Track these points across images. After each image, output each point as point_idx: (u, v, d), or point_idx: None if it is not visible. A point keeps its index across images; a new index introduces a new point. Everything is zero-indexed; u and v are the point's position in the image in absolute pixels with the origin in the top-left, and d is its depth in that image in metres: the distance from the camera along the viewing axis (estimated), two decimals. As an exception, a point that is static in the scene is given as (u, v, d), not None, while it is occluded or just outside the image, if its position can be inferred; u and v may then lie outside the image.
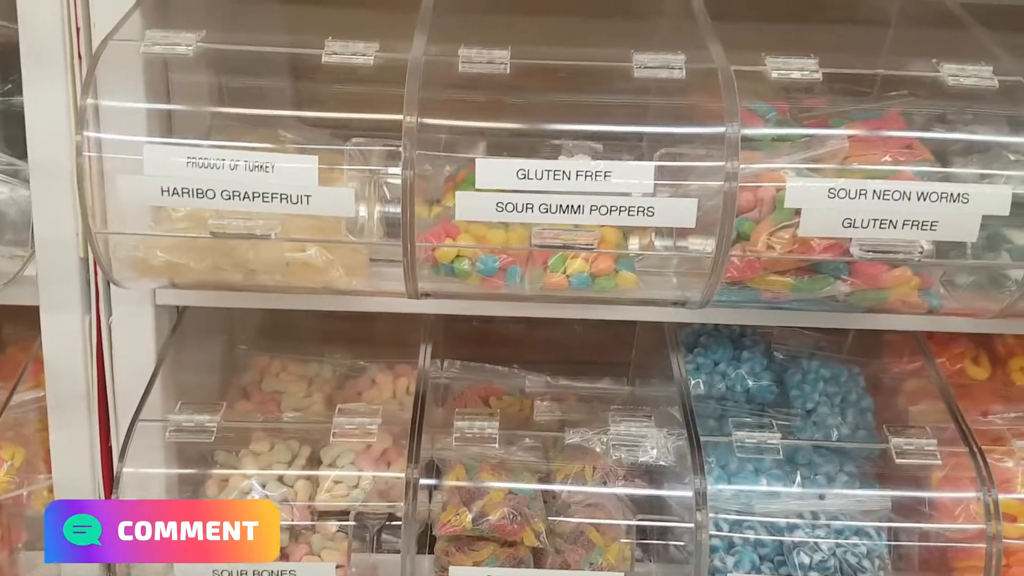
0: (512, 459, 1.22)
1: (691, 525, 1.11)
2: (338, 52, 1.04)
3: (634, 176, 0.97)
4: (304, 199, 0.96)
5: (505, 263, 1.03)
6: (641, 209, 0.96)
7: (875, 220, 0.95)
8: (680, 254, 1.07)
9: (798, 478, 1.23)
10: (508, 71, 1.03)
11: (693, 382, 1.34)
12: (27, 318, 1.20)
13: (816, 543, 1.16)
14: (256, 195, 0.95)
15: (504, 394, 1.42)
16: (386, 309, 1.18)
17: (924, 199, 0.95)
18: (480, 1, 1.24)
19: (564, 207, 0.96)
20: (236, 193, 0.95)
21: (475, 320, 1.41)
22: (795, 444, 1.26)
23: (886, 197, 0.95)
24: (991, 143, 1.08)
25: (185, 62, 1.05)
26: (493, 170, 0.96)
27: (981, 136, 1.09)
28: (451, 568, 1.12)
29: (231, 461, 1.23)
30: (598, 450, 1.21)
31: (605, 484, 1.21)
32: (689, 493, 1.12)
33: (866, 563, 1.15)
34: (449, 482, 1.18)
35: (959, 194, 0.95)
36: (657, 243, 1.07)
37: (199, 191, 0.95)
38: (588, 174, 0.95)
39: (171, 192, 0.96)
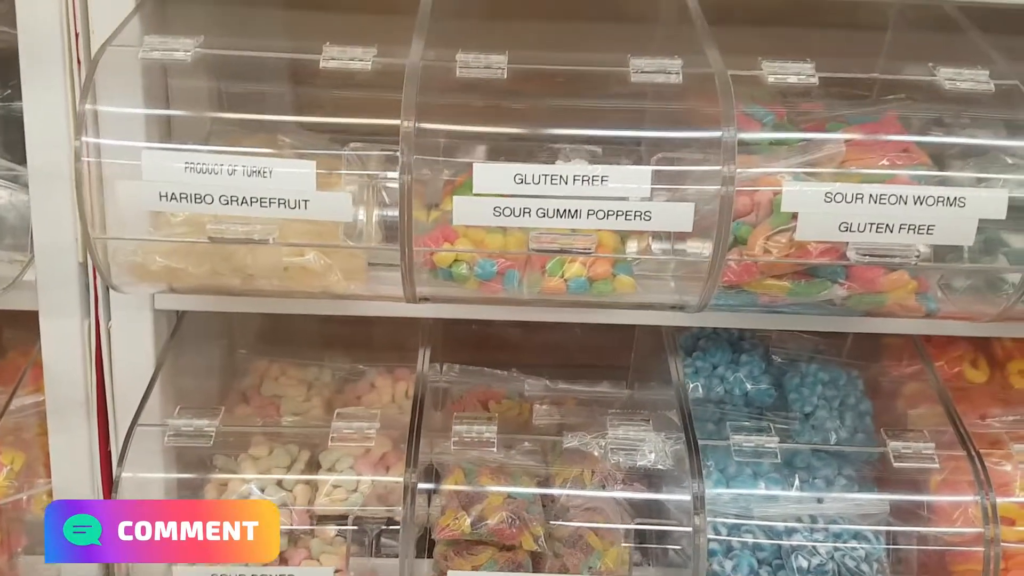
0: (511, 463, 1.22)
1: (689, 529, 1.11)
2: (336, 57, 1.04)
3: (631, 180, 0.97)
4: (302, 204, 0.96)
5: (503, 267, 1.04)
6: (638, 213, 0.96)
7: (872, 224, 0.96)
8: (677, 258, 1.07)
9: (796, 482, 1.23)
10: (505, 76, 1.03)
11: (692, 385, 1.34)
12: (26, 323, 1.20)
13: (814, 547, 1.16)
14: (254, 200, 0.96)
15: (503, 398, 1.43)
16: (385, 313, 1.18)
17: (921, 203, 0.95)
18: (477, 6, 1.24)
19: (561, 211, 0.96)
20: (234, 198, 0.96)
21: (474, 324, 1.40)
22: (793, 448, 1.25)
23: (883, 201, 0.95)
24: (988, 147, 1.08)
25: (183, 67, 1.05)
26: (491, 175, 0.97)
27: (978, 140, 1.09)
28: (450, 572, 1.12)
29: (230, 465, 1.23)
30: (597, 454, 1.21)
31: (604, 488, 1.21)
32: (687, 497, 1.11)
33: (864, 567, 1.15)
34: (448, 486, 1.18)
35: (956, 198, 0.95)
36: (654, 247, 1.07)
37: (197, 196, 0.96)
38: (585, 178, 0.96)
39: (169, 197, 0.96)
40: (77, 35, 1.10)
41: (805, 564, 1.15)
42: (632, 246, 1.06)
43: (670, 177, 1.02)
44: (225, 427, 1.18)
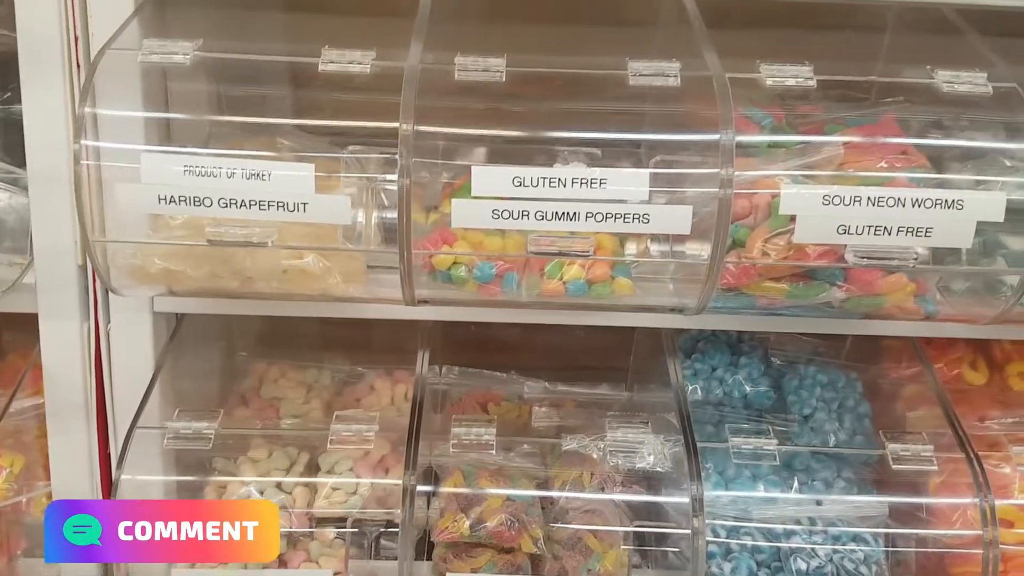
0: (510, 465, 1.22)
1: (688, 531, 1.11)
2: (335, 60, 1.04)
3: (629, 183, 0.97)
4: (301, 207, 0.96)
5: (502, 270, 1.04)
6: (637, 216, 0.96)
7: (870, 226, 0.96)
8: (676, 260, 1.08)
9: (795, 484, 1.23)
10: (504, 79, 1.03)
11: (691, 388, 1.34)
12: (26, 325, 1.21)
13: (813, 549, 1.16)
14: (253, 203, 0.96)
15: (502, 400, 1.43)
16: (384, 315, 1.18)
17: (919, 205, 0.96)
18: (476, 9, 1.25)
19: (560, 214, 0.96)
20: (233, 201, 0.96)
21: (473, 326, 1.41)
22: (792, 450, 1.26)
23: (881, 203, 0.95)
24: (986, 149, 1.08)
25: (183, 71, 1.05)
26: (489, 177, 0.97)
27: (976, 142, 1.10)
28: (448, 574, 1.12)
29: (229, 468, 1.23)
30: (596, 456, 1.21)
31: (603, 490, 1.21)
32: (686, 499, 1.11)
33: (863, 569, 1.15)
34: (447, 488, 1.18)
35: (954, 200, 0.96)
36: (653, 249, 1.07)
37: (196, 199, 0.96)
38: (583, 181, 0.96)
39: (168, 200, 0.96)
40: (76, 38, 1.10)
41: (804, 566, 1.15)
42: (631, 248, 1.06)
43: (668, 180, 1.02)
44: (224, 429, 1.18)
